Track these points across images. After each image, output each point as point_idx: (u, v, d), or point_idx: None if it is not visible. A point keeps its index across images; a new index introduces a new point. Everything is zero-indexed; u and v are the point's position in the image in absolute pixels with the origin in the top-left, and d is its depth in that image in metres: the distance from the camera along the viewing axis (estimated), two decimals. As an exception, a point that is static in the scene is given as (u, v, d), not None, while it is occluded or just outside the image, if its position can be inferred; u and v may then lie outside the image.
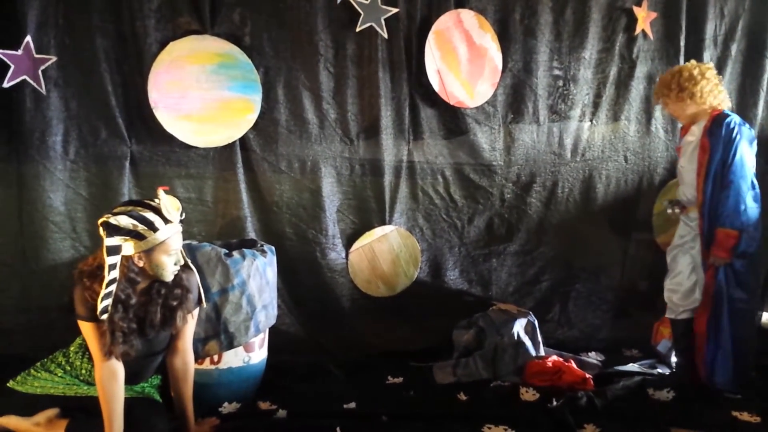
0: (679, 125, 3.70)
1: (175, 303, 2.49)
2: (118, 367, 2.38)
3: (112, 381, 2.35)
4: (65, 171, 3.32)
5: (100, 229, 2.26)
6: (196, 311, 2.65)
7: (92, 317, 2.31)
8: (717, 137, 3.14)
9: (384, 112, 3.75)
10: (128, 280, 2.34)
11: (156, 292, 2.46)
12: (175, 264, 2.44)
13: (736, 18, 4.28)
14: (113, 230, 2.25)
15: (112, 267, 2.26)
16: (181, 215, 2.43)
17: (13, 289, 3.34)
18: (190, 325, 2.63)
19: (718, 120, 3.19)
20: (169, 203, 2.37)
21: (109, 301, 2.28)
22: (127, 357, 2.38)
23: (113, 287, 2.28)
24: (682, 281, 3.35)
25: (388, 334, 3.88)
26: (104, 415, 2.33)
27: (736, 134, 3.11)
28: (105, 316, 2.29)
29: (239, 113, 3.46)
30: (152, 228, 2.31)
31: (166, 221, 2.36)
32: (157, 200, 2.35)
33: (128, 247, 2.30)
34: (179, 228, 2.43)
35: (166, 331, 2.53)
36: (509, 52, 3.94)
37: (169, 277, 2.43)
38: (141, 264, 2.35)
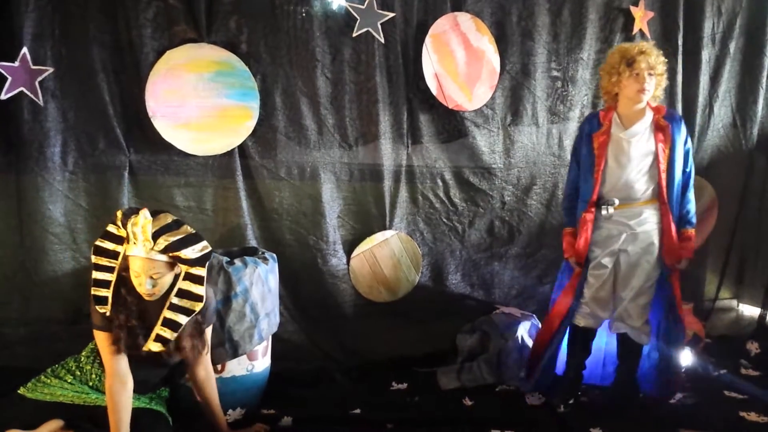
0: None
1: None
2: (128, 377, 2.41)
3: (121, 390, 2.38)
4: (64, 182, 3.30)
5: None
6: (209, 329, 2.67)
7: (105, 327, 2.38)
8: (678, 131, 2.99)
9: (382, 116, 3.74)
10: (121, 280, 2.40)
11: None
12: (148, 288, 2.35)
13: (733, 16, 4.30)
14: (105, 235, 2.35)
15: (97, 268, 2.35)
16: (155, 245, 2.31)
17: (14, 301, 3.32)
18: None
19: (673, 115, 3.07)
20: (138, 229, 2.29)
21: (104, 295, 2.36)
22: (135, 351, 2.40)
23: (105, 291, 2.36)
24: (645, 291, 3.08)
25: (392, 339, 3.86)
26: (111, 424, 2.34)
27: (688, 135, 3.06)
28: (104, 310, 2.37)
29: (237, 121, 3.45)
30: (119, 242, 2.37)
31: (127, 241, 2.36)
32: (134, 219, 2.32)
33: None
34: (143, 254, 2.32)
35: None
36: (507, 54, 3.94)
37: (143, 293, 2.39)
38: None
